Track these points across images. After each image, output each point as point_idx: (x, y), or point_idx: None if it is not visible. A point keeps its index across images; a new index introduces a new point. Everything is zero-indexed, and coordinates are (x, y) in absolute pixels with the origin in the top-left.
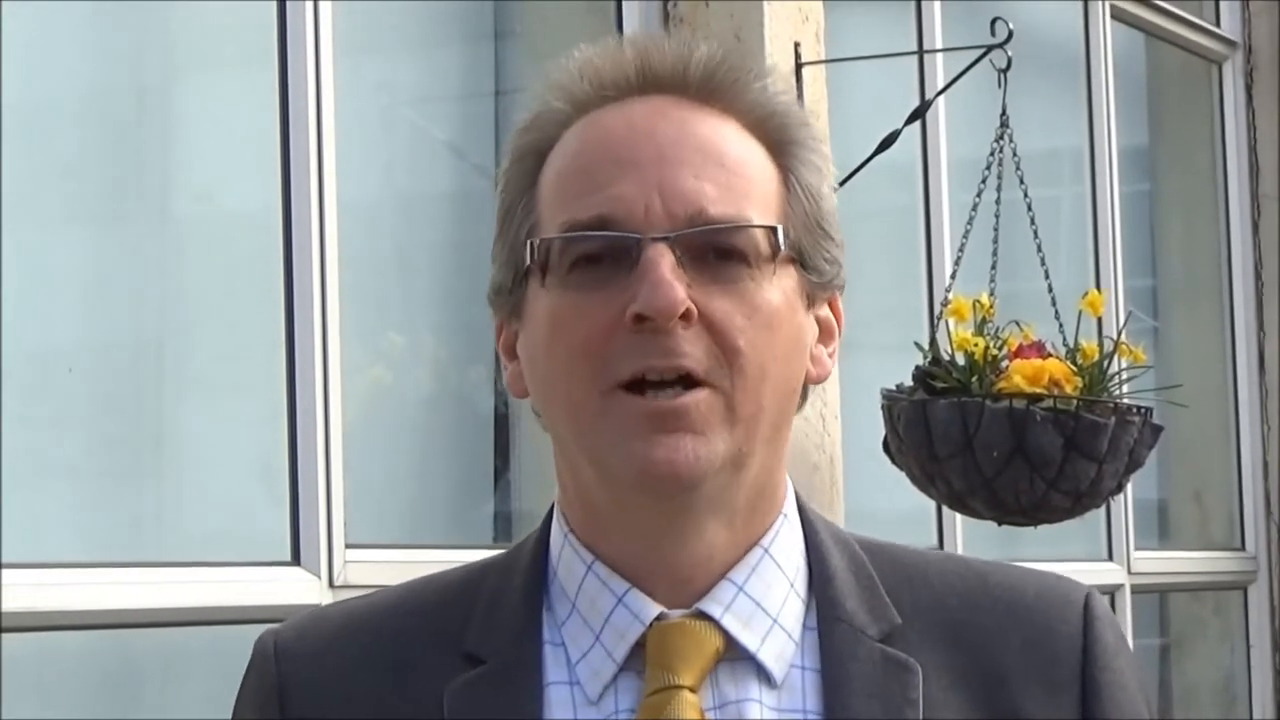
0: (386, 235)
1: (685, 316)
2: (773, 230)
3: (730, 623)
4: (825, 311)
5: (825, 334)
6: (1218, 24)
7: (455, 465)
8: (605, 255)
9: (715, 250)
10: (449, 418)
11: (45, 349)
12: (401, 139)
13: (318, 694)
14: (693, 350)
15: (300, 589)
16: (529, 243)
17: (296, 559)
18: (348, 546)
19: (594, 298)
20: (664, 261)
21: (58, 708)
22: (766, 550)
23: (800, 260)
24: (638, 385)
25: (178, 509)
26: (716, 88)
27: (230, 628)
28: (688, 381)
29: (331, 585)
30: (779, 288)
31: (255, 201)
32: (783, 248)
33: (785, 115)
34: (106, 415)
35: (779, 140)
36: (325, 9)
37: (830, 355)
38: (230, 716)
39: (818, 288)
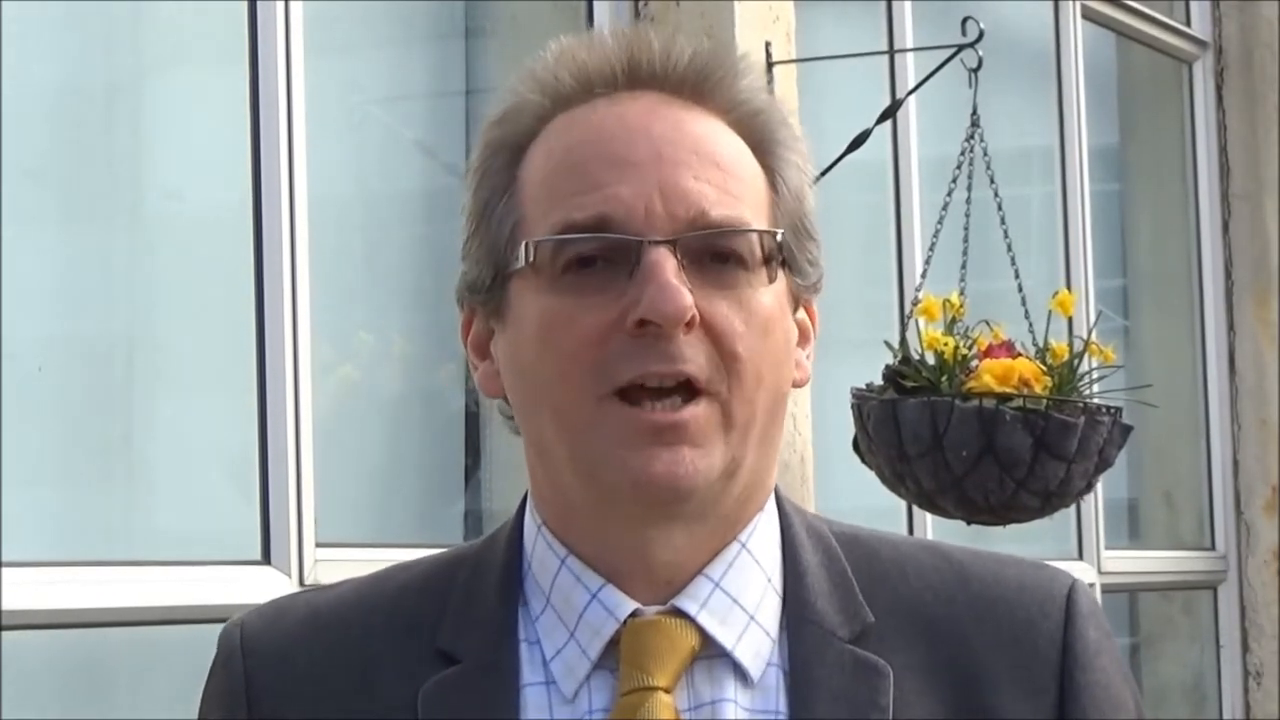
0: (357, 234)
1: (689, 322)
2: (772, 234)
3: (706, 620)
4: (801, 314)
5: (803, 337)
6: (1188, 24)
7: (426, 464)
8: (601, 258)
9: (713, 254)
10: (419, 416)
11: (15, 347)
12: (372, 138)
13: (286, 693)
14: (694, 356)
15: (271, 588)
16: (525, 244)
17: (267, 558)
18: (318, 545)
19: (589, 302)
20: (668, 265)
21: (27, 707)
22: (744, 545)
23: (788, 262)
24: (634, 392)
25: (148, 508)
26: (705, 85)
27: (201, 627)
28: (686, 389)
29: (302, 584)
30: (772, 291)
31: (225, 200)
32: (780, 251)
33: (769, 113)
34: (77, 414)
35: (762, 139)
36: (296, 7)
37: (808, 358)
38: (197, 712)
39: (802, 290)
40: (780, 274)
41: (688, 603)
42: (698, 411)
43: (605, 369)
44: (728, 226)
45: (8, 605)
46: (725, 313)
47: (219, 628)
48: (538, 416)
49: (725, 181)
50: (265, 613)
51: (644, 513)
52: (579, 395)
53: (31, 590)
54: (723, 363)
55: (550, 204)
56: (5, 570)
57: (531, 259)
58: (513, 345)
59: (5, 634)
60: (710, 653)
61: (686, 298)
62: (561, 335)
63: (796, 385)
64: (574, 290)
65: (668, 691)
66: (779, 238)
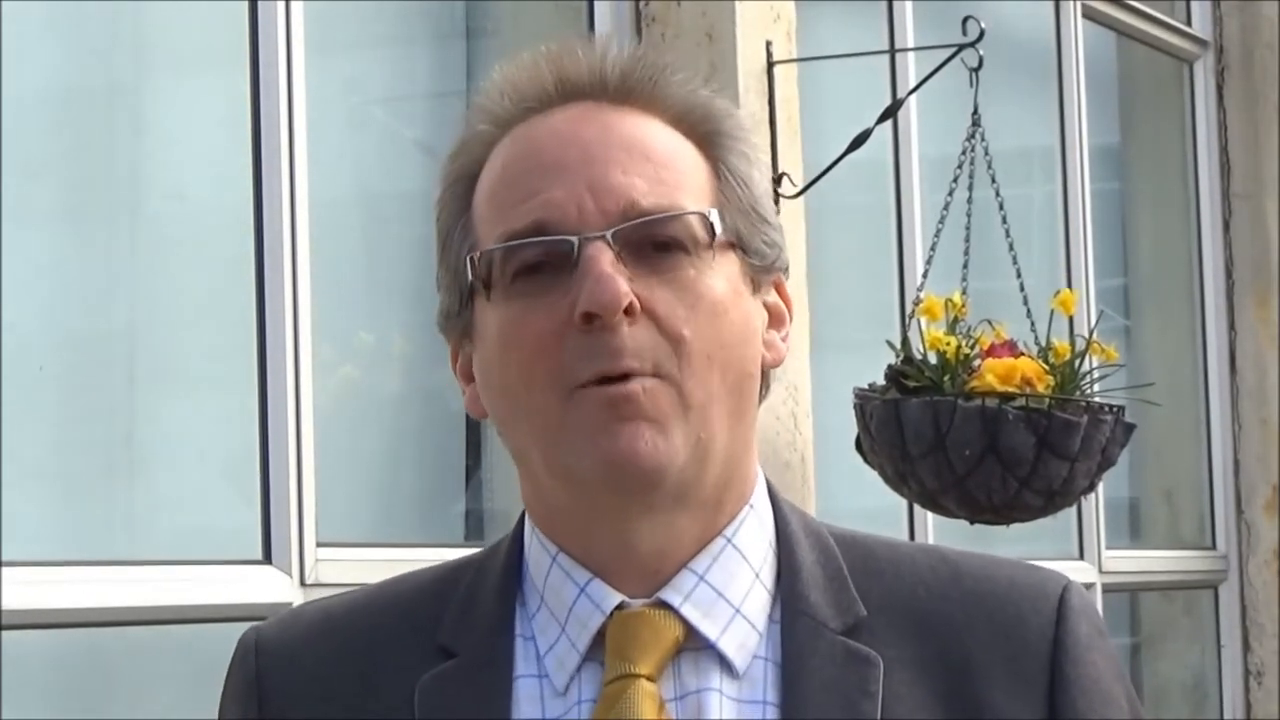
0: (357, 234)
1: (629, 310)
2: (704, 215)
3: (690, 611)
4: (773, 297)
5: (775, 319)
6: (1189, 23)
7: (426, 464)
8: (546, 262)
9: (653, 243)
10: (420, 416)
11: (15, 347)
12: (372, 138)
13: (294, 693)
14: (638, 348)
15: (271, 588)
16: (468, 258)
17: (268, 558)
18: (319, 545)
19: (539, 304)
20: (603, 258)
21: (27, 707)
22: (729, 540)
23: (740, 245)
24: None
25: (149, 508)
26: (634, 87)
27: (202, 626)
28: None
29: (303, 584)
30: (721, 274)
31: (226, 200)
32: (719, 232)
33: (707, 107)
34: (78, 413)
35: (704, 131)
36: (297, 8)
37: (783, 340)
38: (218, 709)
39: (760, 271)
40: (731, 255)
41: (671, 595)
42: (646, 384)
43: (566, 367)
44: (660, 214)
45: (8, 605)
46: (667, 298)
47: (219, 628)
48: (512, 424)
49: (657, 173)
50: (284, 617)
51: (620, 503)
52: (546, 393)
53: (31, 590)
54: (669, 346)
55: (494, 220)
56: (5, 570)
57: (481, 273)
58: (482, 362)
59: (5, 634)
60: (695, 644)
61: (621, 285)
62: (519, 341)
63: (770, 366)
64: (524, 296)
65: (651, 679)
66: (713, 217)
